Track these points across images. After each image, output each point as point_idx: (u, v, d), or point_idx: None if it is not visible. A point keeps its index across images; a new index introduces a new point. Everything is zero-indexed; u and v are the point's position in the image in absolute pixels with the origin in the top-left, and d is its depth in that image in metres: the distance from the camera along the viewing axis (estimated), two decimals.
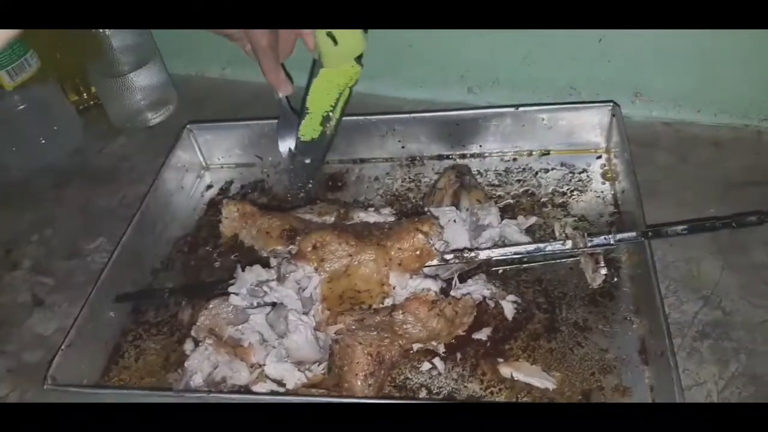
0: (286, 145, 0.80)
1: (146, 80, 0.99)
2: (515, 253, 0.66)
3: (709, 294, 0.66)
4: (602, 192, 0.77)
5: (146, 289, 0.75)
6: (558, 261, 0.70)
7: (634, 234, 0.64)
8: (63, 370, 0.63)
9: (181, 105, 1.05)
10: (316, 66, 0.70)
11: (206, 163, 0.91)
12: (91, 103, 1.08)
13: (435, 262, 0.65)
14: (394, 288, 0.63)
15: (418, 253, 0.63)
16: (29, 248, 0.86)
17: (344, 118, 0.80)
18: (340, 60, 0.68)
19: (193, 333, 0.66)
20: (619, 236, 0.64)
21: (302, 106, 0.72)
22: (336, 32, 0.65)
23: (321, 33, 0.64)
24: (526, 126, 0.80)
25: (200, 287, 0.73)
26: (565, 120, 0.79)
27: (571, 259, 0.69)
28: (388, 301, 0.63)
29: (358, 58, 0.70)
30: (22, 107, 0.93)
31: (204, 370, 0.63)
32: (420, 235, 0.63)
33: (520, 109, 0.79)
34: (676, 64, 0.81)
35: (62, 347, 0.63)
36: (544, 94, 0.89)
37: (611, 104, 0.77)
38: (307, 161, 0.80)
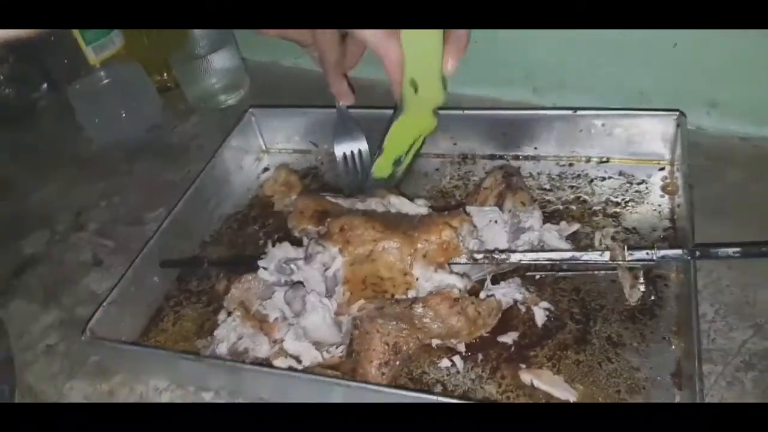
0: (341, 149, 0.81)
1: (221, 63, 1.04)
2: (548, 260, 0.64)
3: (762, 323, 0.62)
4: (659, 205, 0.73)
5: (188, 258, 0.79)
6: (596, 272, 0.67)
7: (680, 252, 0.61)
8: (103, 325, 0.68)
9: (253, 90, 1.10)
10: (397, 110, 0.71)
11: (266, 146, 0.95)
12: (172, 85, 1.15)
13: (463, 260, 0.64)
14: (417, 279, 0.63)
15: (444, 246, 0.63)
16: (97, 213, 0.94)
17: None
18: (419, 108, 0.70)
19: (224, 304, 0.70)
20: (662, 252, 0.61)
21: (379, 145, 0.74)
22: (419, 81, 0.67)
23: (406, 81, 0.66)
24: (583, 131, 0.78)
25: (238, 260, 0.76)
26: (626, 127, 0.76)
27: (611, 271, 0.66)
28: (411, 293, 0.63)
29: (436, 110, 0.72)
30: (105, 82, 1.01)
31: (230, 340, 0.66)
32: (448, 230, 0.63)
33: (578, 112, 0.77)
34: (757, 76, 0.76)
35: (104, 304, 0.68)
36: (611, 100, 0.86)
37: (677, 113, 0.73)
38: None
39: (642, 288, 0.63)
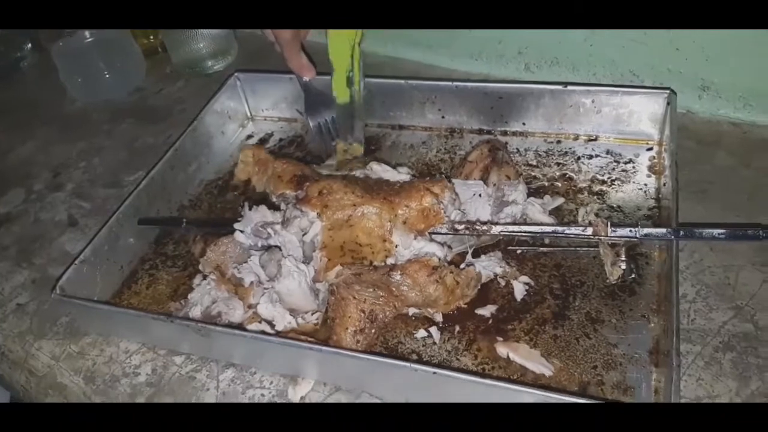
0: (316, 120, 0.81)
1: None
2: (530, 233, 0.63)
3: (742, 305, 0.61)
4: (645, 185, 0.72)
5: (166, 217, 0.77)
6: (578, 248, 0.66)
7: (663, 231, 0.60)
8: (74, 284, 0.66)
9: (241, 57, 1.08)
10: None
11: (251, 113, 0.93)
12: (159, 48, 1.13)
13: (444, 230, 0.63)
14: (396, 246, 0.62)
15: (425, 213, 0.62)
16: (75, 173, 0.92)
17: (385, 81, 0.81)
18: None
19: (200, 267, 0.68)
20: (645, 230, 0.60)
21: (329, 64, 0.75)
22: None
23: None
24: (572, 107, 0.77)
25: (216, 222, 0.75)
26: (615, 105, 0.75)
27: (593, 248, 0.66)
28: (390, 261, 0.62)
29: None
30: (90, 41, 0.99)
31: (203, 304, 0.65)
32: (429, 196, 0.62)
33: (568, 87, 0.76)
34: (751, 60, 0.74)
35: (76, 262, 0.67)
36: (603, 79, 0.85)
37: (667, 91, 0.72)
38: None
39: (623, 266, 0.62)
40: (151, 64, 1.10)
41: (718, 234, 0.59)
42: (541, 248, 0.67)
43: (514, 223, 0.65)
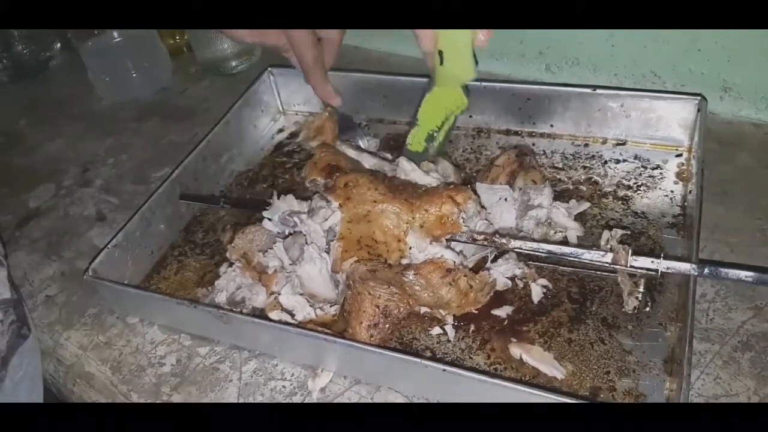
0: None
1: None
2: (548, 252, 0.64)
3: (762, 305, 0.63)
4: (672, 192, 0.74)
5: (206, 195, 0.84)
6: (596, 271, 0.67)
7: (687, 266, 0.59)
8: (106, 267, 0.72)
9: (264, 56, 1.12)
10: (430, 82, 0.74)
11: (283, 108, 0.99)
12: (184, 48, 1.18)
13: (463, 238, 0.66)
14: (410, 248, 0.65)
15: (443, 220, 0.65)
16: (104, 170, 0.98)
17: (414, 79, 0.84)
18: (446, 81, 0.72)
19: (227, 254, 0.73)
20: (667, 264, 0.59)
21: (414, 116, 0.77)
22: (445, 51, 0.68)
23: (435, 53, 0.68)
24: (600, 110, 0.79)
25: (253, 203, 0.80)
26: (645, 109, 0.77)
27: (612, 273, 0.66)
28: (405, 261, 0.65)
29: (466, 89, 0.74)
30: (118, 41, 1.05)
31: (229, 290, 0.70)
32: (450, 204, 0.65)
33: (597, 90, 0.78)
34: None
35: (108, 246, 0.72)
36: (625, 79, 0.87)
37: (698, 98, 0.74)
38: None
39: (639, 297, 0.63)
40: (176, 63, 1.16)
41: (746, 277, 0.58)
42: (560, 267, 0.69)
43: (533, 240, 0.67)
